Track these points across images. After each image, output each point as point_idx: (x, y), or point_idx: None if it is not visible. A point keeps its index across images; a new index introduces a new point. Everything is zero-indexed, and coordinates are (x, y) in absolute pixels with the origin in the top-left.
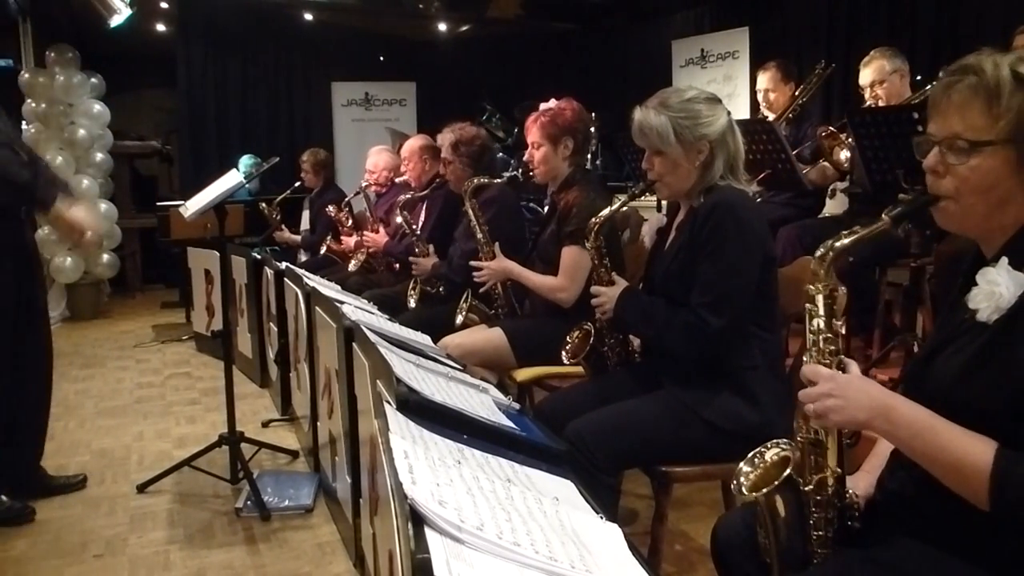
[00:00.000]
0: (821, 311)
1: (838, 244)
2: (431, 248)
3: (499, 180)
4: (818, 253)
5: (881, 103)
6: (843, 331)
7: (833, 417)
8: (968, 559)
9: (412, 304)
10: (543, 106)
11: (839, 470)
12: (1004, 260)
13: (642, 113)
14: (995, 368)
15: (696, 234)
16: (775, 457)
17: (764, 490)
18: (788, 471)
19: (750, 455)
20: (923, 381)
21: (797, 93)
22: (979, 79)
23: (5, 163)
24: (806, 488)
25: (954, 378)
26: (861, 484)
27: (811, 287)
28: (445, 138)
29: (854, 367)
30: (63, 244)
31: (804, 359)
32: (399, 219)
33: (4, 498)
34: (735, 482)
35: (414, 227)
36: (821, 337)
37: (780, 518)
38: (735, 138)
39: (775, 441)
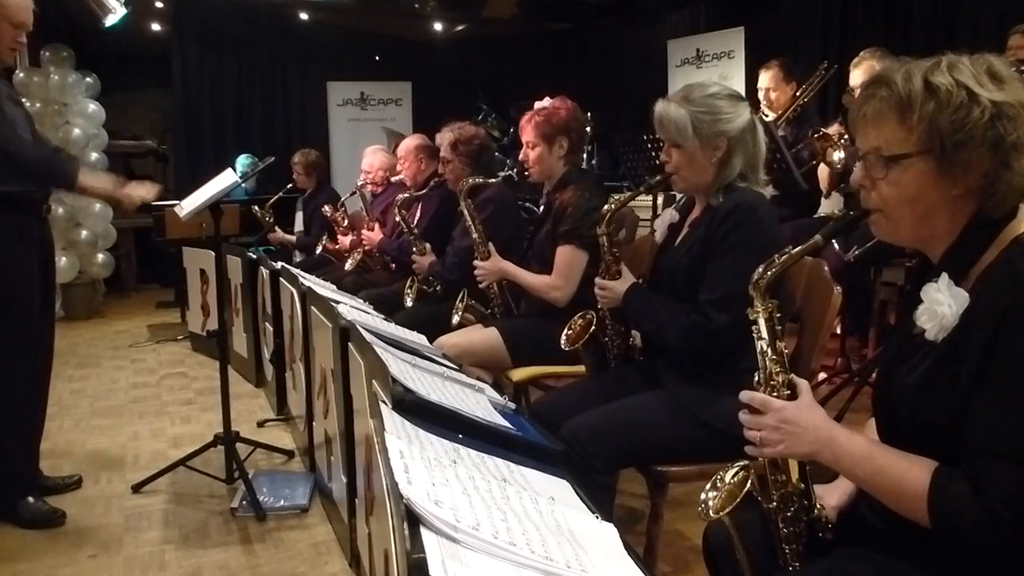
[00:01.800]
0: (764, 334)
1: (772, 270)
2: (428, 247)
3: (494, 179)
4: (754, 278)
5: None
6: (838, 330)
7: (779, 448)
8: (952, 565)
9: (409, 303)
10: (537, 105)
11: (802, 485)
12: (944, 276)
13: (663, 105)
14: (945, 388)
15: (713, 232)
16: (735, 478)
17: (726, 509)
18: (747, 488)
19: (712, 480)
20: (886, 397)
21: (798, 93)
22: (891, 92)
23: (18, 144)
24: (770, 505)
25: (909, 397)
26: (837, 492)
27: (751, 311)
28: (444, 137)
29: (805, 390)
30: (59, 243)
31: (754, 382)
32: (397, 217)
33: (31, 499)
34: (700, 507)
35: (412, 226)
36: (768, 360)
37: (748, 535)
38: (756, 138)
39: (732, 464)
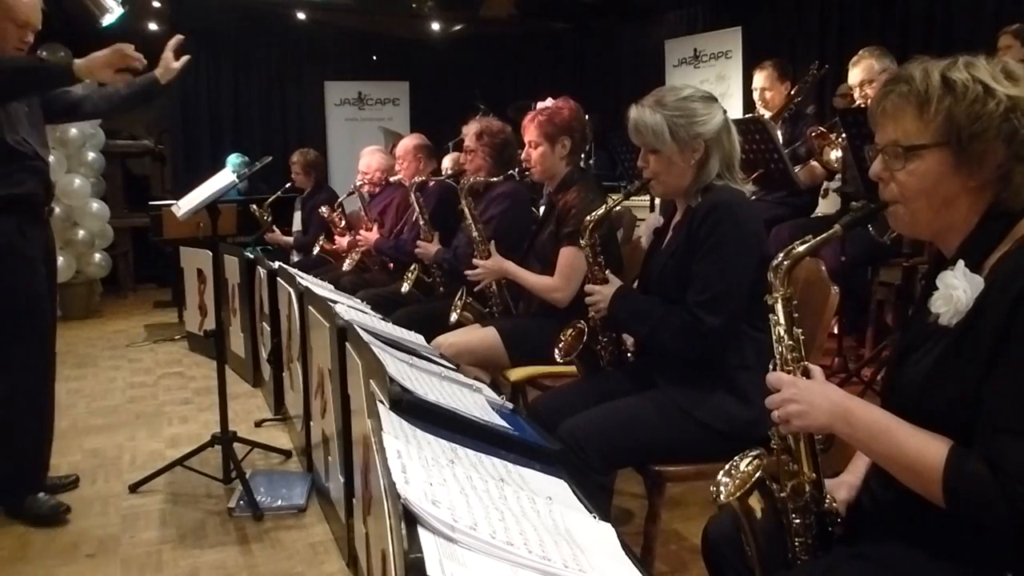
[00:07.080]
0: (781, 319)
1: (793, 253)
2: (437, 235)
3: (495, 180)
4: (774, 263)
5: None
6: (835, 330)
7: (796, 422)
8: (952, 559)
9: (405, 288)
10: (540, 105)
11: (814, 476)
12: (960, 263)
13: (637, 111)
14: (958, 371)
15: (694, 233)
16: (749, 466)
17: (737, 494)
18: (759, 474)
19: (726, 466)
20: (895, 386)
21: (793, 92)
22: (910, 87)
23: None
24: (782, 494)
25: (921, 383)
26: (845, 487)
27: (769, 297)
28: (470, 128)
29: (817, 372)
30: (56, 242)
31: (770, 367)
32: (411, 199)
33: (40, 495)
34: (713, 490)
35: (423, 209)
36: (784, 345)
37: (758, 524)
38: (731, 137)
39: (748, 451)
